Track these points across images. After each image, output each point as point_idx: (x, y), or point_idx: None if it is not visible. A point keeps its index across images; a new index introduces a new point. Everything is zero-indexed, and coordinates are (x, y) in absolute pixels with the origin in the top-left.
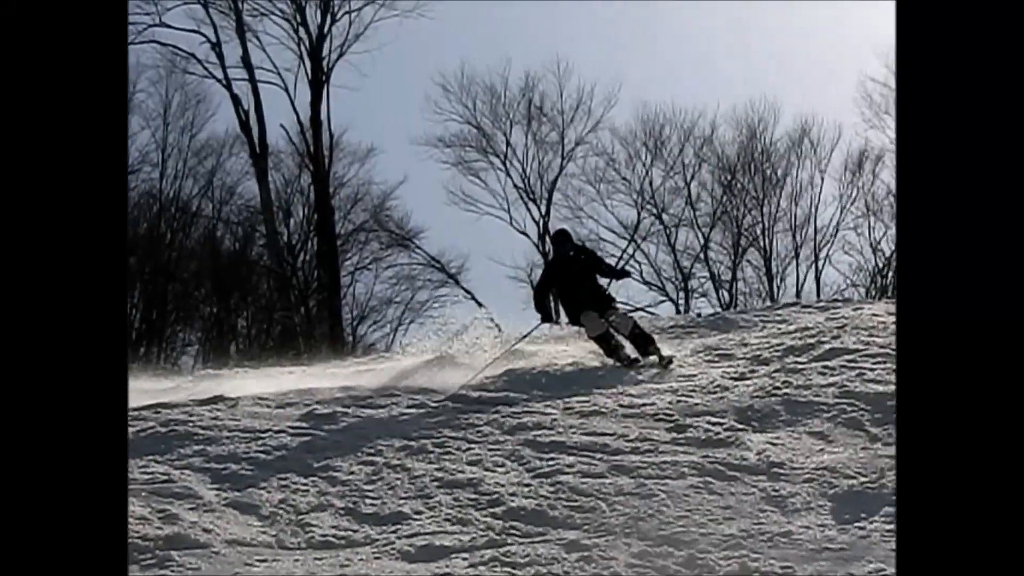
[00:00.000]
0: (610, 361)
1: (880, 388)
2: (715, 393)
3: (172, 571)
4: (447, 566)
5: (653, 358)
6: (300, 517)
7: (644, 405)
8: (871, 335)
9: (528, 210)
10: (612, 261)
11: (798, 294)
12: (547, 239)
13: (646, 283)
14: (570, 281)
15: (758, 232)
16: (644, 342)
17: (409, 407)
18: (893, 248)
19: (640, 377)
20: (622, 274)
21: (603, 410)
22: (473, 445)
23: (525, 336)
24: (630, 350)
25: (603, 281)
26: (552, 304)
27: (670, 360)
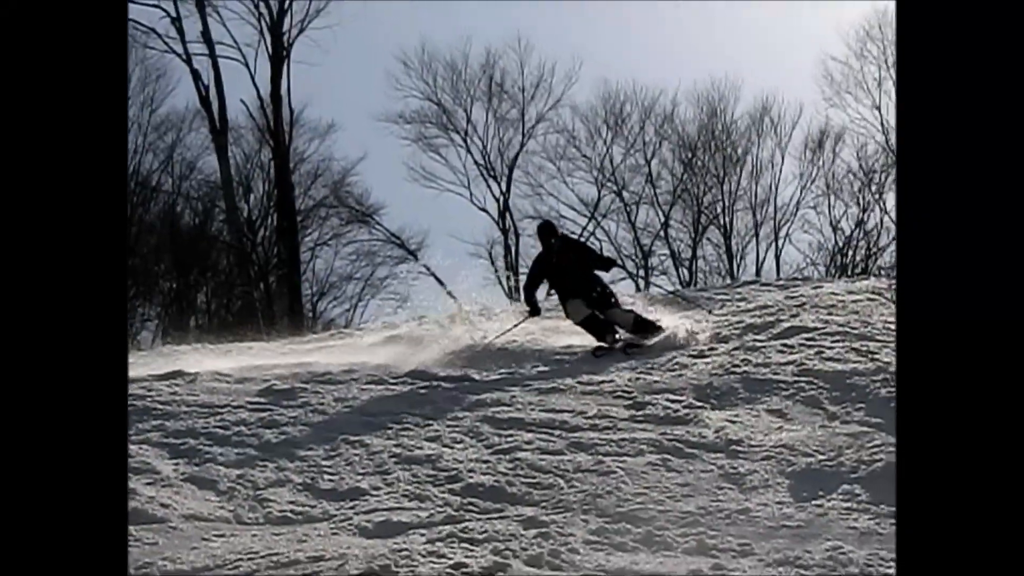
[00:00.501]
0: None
1: (839, 366)
2: (674, 371)
3: (130, 546)
4: (405, 542)
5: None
6: (258, 492)
7: (603, 382)
8: (830, 314)
9: (488, 187)
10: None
11: (758, 272)
12: (508, 216)
13: None
14: (558, 274)
15: (718, 210)
16: (649, 329)
17: (368, 383)
18: (854, 226)
19: (599, 354)
20: (608, 264)
21: (562, 387)
22: (431, 421)
23: (511, 328)
24: (623, 335)
25: (601, 274)
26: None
27: (637, 345)
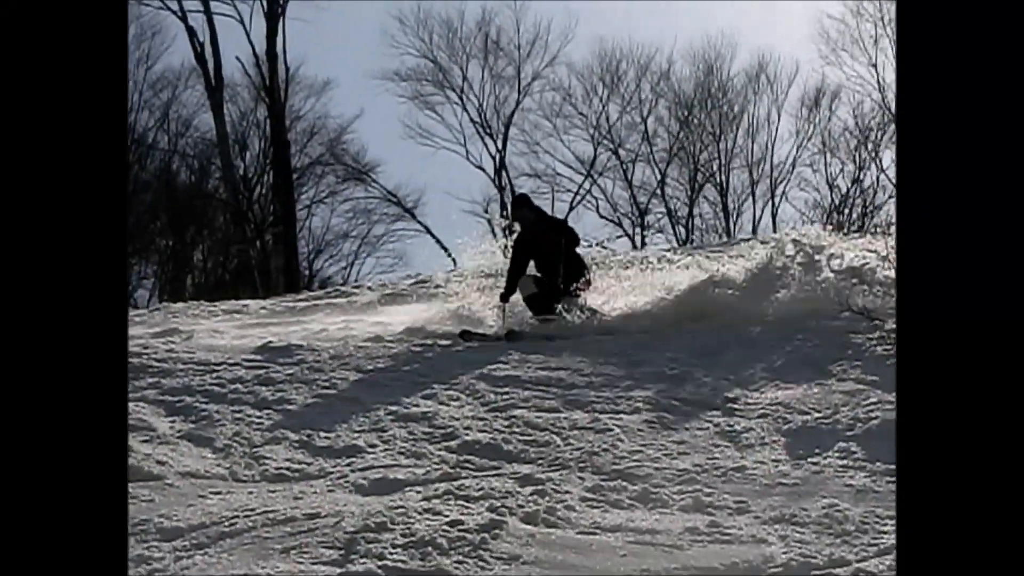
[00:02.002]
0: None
1: (835, 323)
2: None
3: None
4: (401, 499)
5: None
6: (254, 450)
7: (600, 340)
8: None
9: (484, 144)
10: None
11: (754, 230)
12: (504, 173)
13: (603, 218)
14: (537, 253)
15: (715, 168)
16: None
17: (365, 341)
18: (850, 184)
19: (598, 311)
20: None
21: (558, 345)
22: (427, 379)
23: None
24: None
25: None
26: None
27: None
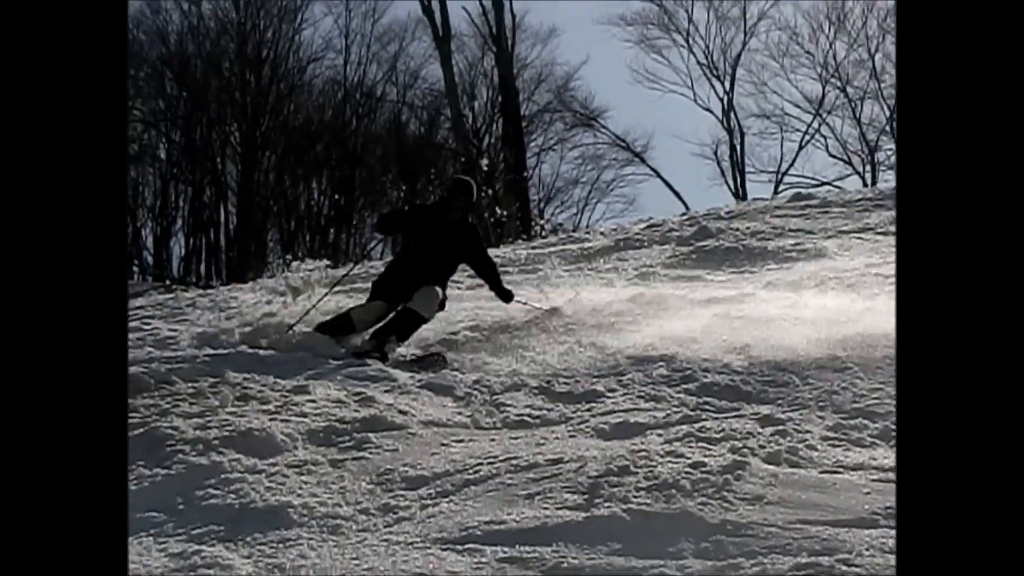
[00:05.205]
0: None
1: None
2: None
3: (370, 452)
4: (642, 442)
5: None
6: (494, 397)
7: (836, 277)
8: None
9: (712, 87)
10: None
11: None
12: (732, 115)
13: (832, 157)
14: (421, 246)
15: None
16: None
17: (600, 285)
18: None
19: (833, 248)
20: (505, 294)
21: (797, 281)
22: (663, 321)
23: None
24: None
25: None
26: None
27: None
